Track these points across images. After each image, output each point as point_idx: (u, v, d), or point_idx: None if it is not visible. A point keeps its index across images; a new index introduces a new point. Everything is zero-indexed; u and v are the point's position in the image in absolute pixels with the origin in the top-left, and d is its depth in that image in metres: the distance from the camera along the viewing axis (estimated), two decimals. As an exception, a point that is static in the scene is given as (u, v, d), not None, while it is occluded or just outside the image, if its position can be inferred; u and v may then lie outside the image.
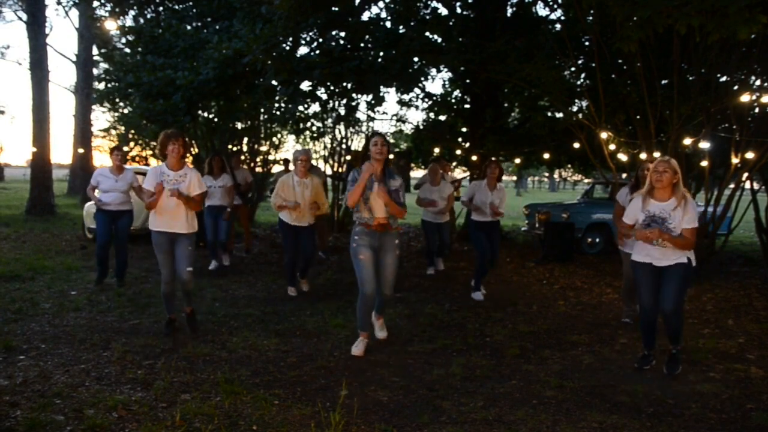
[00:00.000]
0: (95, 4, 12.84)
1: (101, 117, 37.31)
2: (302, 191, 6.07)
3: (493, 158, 6.78)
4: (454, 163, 12.86)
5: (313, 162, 9.97)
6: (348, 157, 13.88)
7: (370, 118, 14.10)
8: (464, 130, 12.78)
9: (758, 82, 8.24)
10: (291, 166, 11.45)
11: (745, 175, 8.34)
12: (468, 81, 11.64)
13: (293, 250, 6.32)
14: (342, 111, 13.06)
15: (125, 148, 18.78)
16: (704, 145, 7.54)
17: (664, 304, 4.06)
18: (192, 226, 4.74)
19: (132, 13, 11.38)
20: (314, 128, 14.01)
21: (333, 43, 9.03)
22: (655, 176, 4.00)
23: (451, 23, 11.29)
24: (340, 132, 14.00)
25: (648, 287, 4.16)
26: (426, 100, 13.67)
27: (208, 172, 7.77)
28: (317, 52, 8.93)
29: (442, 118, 13.80)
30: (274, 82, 9.07)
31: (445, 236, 8.01)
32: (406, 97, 13.84)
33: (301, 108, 12.26)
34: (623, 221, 4.30)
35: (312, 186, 6.13)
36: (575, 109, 9.33)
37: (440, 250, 8.22)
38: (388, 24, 10.25)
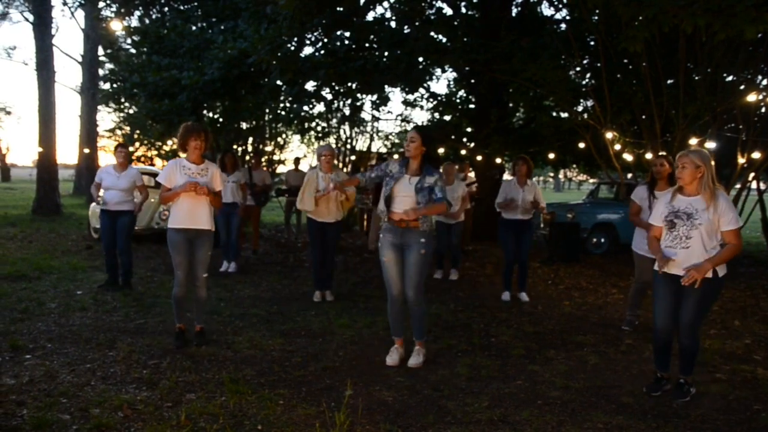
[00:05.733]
0: (101, 4, 12.93)
1: (107, 117, 37.50)
2: (327, 186, 5.85)
3: (523, 155, 6.69)
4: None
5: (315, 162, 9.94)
6: (353, 158, 13.91)
7: (375, 118, 14.14)
8: (469, 130, 12.78)
9: (765, 82, 8.22)
10: (301, 166, 11.56)
11: (752, 175, 8.31)
12: (473, 81, 11.64)
13: (318, 249, 6.20)
14: (347, 111, 13.09)
15: (130, 148, 18.96)
16: (710, 145, 7.51)
17: (680, 319, 3.63)
18: (213, 223, 4.53)
19: (137, 13, 11.43)
20: (319, 128, 14.05)
21: (338, 43, 9.05)
22: (677, 172, 3.59)
23: (455, 23, 11.29)
24: (344, 132, 14.04)
25: (665, 302, 3.69)
26: (431, 100, 13.70)
27: (221, 168, 7.79)
28: (322, 52, 8.95)
29: (447, 118, 13.81)
30: (279, 82, 9.10)
31: (454, 238, 7.66)
32: (411, 97, 13.90)
33: (306, 108, 12.30)
34: (650, 223, 3.83)
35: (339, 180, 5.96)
36: (580, 109, 9.32)
37: (454, 258, 7.81)
38: (393, 24, 10.27)
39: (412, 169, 4.11)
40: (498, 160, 11.31)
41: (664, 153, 5.89)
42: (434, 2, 11.25)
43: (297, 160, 11.96)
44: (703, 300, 3.58)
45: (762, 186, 9.50)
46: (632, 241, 5.38)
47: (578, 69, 8.80)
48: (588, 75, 9.02)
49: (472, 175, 11.01)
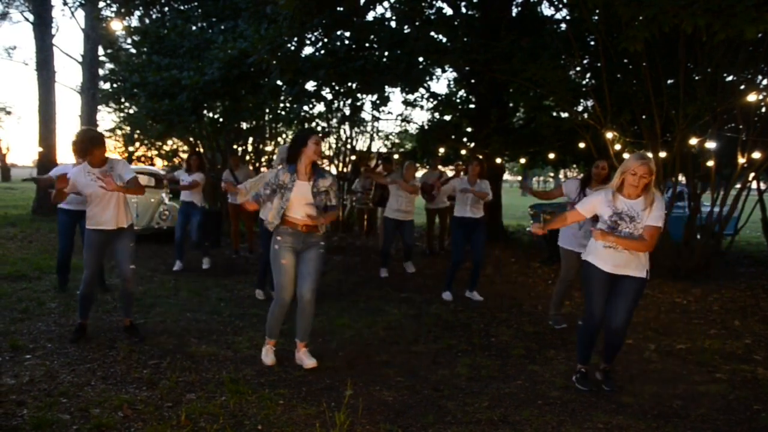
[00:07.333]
0: (101, 4, 12.91)
1: (107, 117, 37.63)
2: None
3: (479, 155, 6.68)
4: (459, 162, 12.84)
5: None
6: (353, 157, 13.90)
7: (375, 118, 14.13)
8: (469, 130, 12.77)
9: (765, 82, 8.21)
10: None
11: (752, 175, 8.31)
12: (473, 81, 11.64)
13: (266, 250, 6.24)
14: (347, 111, 13.07)
15: (131, 148, 18.94)
16: (710, 145, 7.51)
17: (615, 319, 3.76)
18: (130, 217, 4.60)
19: (137, 13, 11.41)
20: (319, 128, 14.03)
21: (338, 43, 9.04)
22: (633, 179, 3.57)
23: (456, 23, 11.29)
24: (345, 132, 14.02)
25: (601, 297, 3.80)
26: (431, 100, 13.69)
27: (186, 168, 7.94)
28: (322, 52, 8.94)
29: (447, 118, 13.79)
30: (279, 82, 9.09)
31: (406, 236, 7.76)
32: (411, 97, 13.88)
33: (306, 108, 12.27)
34: (578, 210, 3.86)
35: None
36: (580, 108, 9.31)
37: (406, 253, 8.02)
38: (393, 24, 10.26)
39: (304, 175, 4.18)
40: (498, 160, 11.30)
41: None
42: (434, 2, 11.25)
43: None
44: (635, 300, 3.75)
45: (762, 186, 9.49)
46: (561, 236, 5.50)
47: (578, 69, 8.79)
48: (588, 75, 9.01)
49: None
